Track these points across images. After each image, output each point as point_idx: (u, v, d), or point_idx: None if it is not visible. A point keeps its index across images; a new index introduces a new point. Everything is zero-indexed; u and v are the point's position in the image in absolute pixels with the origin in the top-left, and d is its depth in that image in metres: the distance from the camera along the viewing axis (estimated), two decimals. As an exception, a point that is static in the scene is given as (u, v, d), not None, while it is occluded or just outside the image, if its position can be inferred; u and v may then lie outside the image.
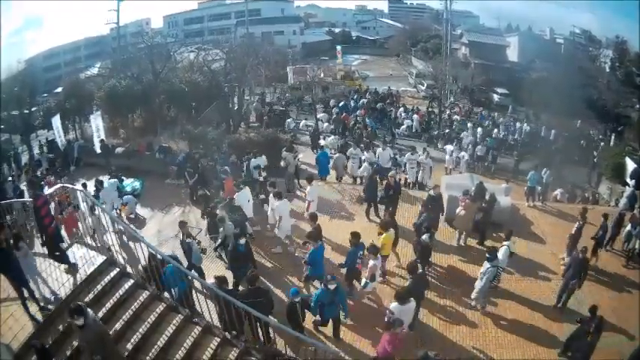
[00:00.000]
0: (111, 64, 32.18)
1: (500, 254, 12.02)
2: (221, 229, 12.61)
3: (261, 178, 16.62)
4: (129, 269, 9.62)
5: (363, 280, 11.39)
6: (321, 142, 23.32)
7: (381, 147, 20.11)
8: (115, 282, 9.05)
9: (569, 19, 54.84)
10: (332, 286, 9.53)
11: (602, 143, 32.21)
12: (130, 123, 26.18)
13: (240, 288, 10.54)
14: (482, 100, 44.15)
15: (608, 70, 41.86)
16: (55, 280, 8.88)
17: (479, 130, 30.28)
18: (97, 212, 11.33)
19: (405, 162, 20.89)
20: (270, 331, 9.44)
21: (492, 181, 21.45)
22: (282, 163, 18.78)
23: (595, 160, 28.02)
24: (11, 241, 8.62)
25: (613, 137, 33.22)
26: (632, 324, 11.76)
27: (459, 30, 59.00)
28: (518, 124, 34.88)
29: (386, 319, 9.89)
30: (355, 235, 11.51)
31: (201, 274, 11.58)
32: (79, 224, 11.34)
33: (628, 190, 21.32)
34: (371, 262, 11.24)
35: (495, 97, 45.52)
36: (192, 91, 27.06)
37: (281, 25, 60.01)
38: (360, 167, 19.71)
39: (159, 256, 9.18)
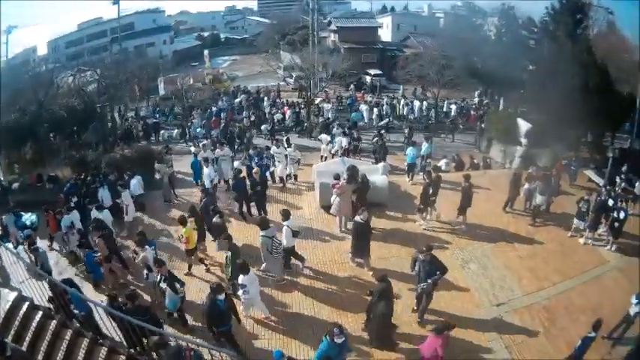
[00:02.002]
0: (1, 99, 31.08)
1: (282, 236, 12.19)
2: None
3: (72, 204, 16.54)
4: (36, 301, 10.06)
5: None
6: (192, 148, 23.76)
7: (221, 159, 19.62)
8: (28, 315, 9.42)
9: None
10: (340, 340, 8.42)
11: (491, 108, 33.02)
12: (22, 157, 25.72)
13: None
14: (355, 84, 44.97)
15: (493, 37, 41.20)
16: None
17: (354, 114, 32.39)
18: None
19: (272, 155, 19.84)
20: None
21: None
22: (156, 176, 19.77)
23: (483, 125, 28.51)
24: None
25: (502, 101, 33.84)
26: (550, 278, 12.79)
27: (329, 18, 59.47)
28: (417, 103, 35.05)
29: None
30: (140, 234, 12.60)
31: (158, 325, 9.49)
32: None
33: (520, 149, 22.54)
34: (141, 254, 11.93)
35: (368, 78, 46.69)
36: (71, 116, 27.37)
37: (152, 37, 58.89)
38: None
39: (60, 286, 9.68)
